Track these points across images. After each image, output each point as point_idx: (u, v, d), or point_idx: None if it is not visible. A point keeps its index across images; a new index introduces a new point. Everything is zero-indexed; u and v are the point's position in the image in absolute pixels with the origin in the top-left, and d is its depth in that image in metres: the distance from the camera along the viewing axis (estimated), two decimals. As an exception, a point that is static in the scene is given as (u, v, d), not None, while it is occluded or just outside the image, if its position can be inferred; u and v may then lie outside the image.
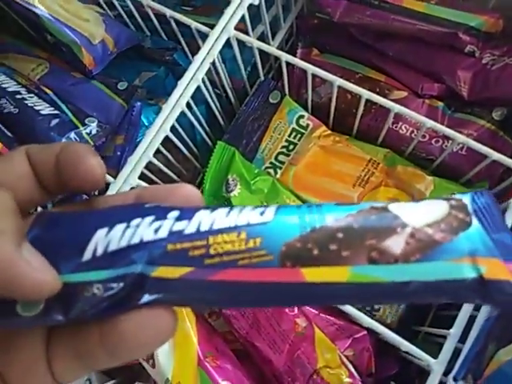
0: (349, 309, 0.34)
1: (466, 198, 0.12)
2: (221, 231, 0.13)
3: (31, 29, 0.49)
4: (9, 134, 0.37)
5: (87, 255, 0.13)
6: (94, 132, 0.37)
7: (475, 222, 0.12)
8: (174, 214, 0.14)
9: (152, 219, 0.14)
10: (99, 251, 0.13)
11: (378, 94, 0.42)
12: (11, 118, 0.37)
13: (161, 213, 0.14)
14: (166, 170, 0.43)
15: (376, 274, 0.11)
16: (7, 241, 0.12)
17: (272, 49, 0.39)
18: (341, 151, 0.43)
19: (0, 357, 0.14)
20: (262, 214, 0.13)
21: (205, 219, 0.13)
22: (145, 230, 0.13)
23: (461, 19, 0.40)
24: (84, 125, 0.37)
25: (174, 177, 0.46)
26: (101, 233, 0.14)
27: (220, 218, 0.13)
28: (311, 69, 0.38)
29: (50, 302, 0.13)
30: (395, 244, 0.12)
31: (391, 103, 0.37)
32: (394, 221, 0.12)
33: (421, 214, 0.12)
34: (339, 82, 0.38)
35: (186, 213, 0.14)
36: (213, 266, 0.13)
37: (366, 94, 0.37)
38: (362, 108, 0.40)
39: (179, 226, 0.13)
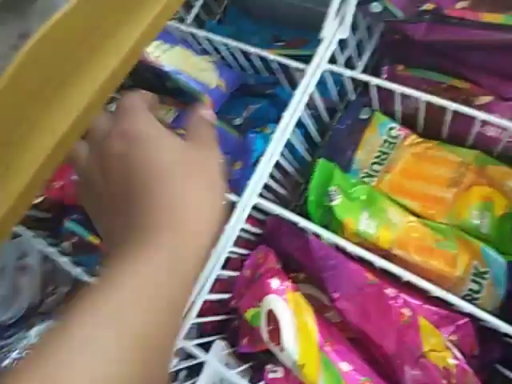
0: (451, 298, 0.38)
1: None
2: None
3: (154, 81, 0.61)
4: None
5: None
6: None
7: None
8: None
9: None
10: None
11: (464, 100, 0.46)
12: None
13: None
14: (275, 186, 0.51)
15: None
16: None
17: (362, 76, 0.45)
18: (432, 156, 0.47)
19: None
20: None
21: None
22: None
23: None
24: (211, 156, 0.47)
25: (281, 191, 0.54)
26: None
27: None
28: (398, 89, 0.43)
29: None
30: None
31: (477, 112, 0.40)
32: None
33: None
34: (425, 97, 0.42)
35: None
36: None
37: (452, 105, 0.42)
38: (449, 118, 0.44)
39: None
